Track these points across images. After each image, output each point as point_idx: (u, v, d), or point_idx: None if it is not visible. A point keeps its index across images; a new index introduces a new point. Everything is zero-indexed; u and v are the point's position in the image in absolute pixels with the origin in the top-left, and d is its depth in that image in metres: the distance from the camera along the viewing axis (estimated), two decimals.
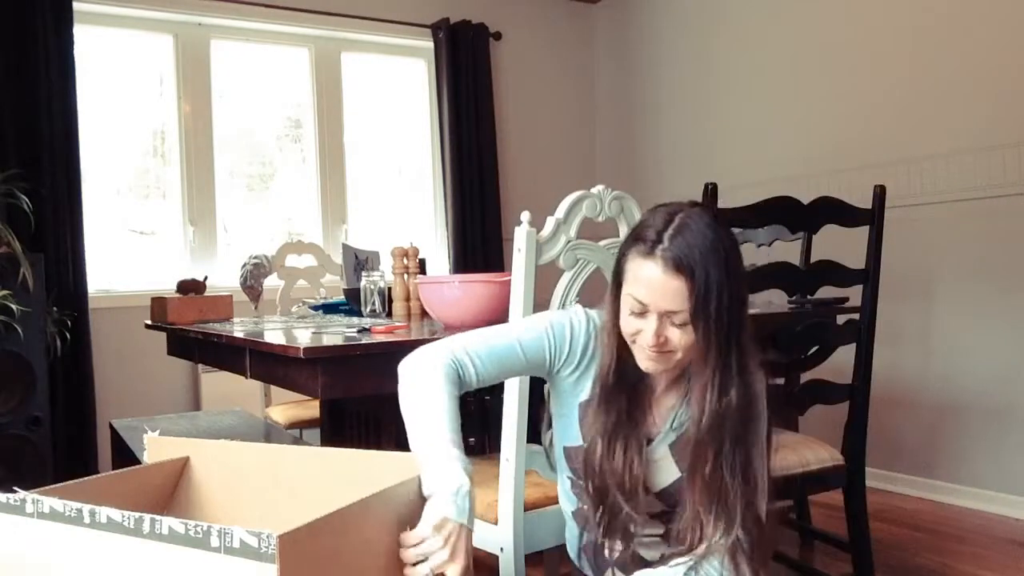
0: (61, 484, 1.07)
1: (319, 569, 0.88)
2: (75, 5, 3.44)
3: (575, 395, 1.31)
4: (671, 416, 1.27)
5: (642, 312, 1.15)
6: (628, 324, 1.18)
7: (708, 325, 1.12)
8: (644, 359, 1.19)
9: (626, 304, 1.17)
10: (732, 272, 1.13)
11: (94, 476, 1.17)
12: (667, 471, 1.27)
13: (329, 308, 2.69)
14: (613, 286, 1.22)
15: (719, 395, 1.15)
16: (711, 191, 1.74)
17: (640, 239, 1.16)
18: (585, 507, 1.30)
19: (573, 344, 1.28)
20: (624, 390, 1.24)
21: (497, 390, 1.56)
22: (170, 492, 1.34)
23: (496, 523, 1.51)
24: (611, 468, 1.22)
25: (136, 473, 1.29)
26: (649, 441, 1.27)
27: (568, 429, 1.33)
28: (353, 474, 1.27)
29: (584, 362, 1.29)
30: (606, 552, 1.27)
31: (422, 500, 1.07)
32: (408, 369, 1.23)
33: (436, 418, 1.14)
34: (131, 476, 1.27)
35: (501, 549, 1.49)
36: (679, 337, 1.14)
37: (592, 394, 1.27)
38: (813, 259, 2.47)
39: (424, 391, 1.18)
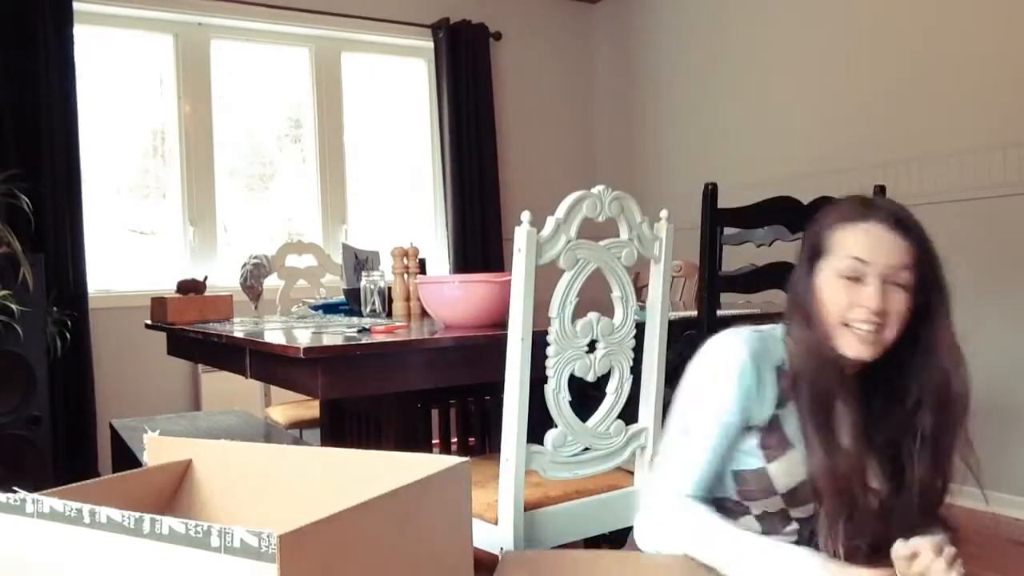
0: (62, 487, 1.07)
1: (320, 569, 0.88)
2: (75, 5, 3.45)
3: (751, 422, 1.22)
4: (858, 420, 1.19)
5: (858, 277, 1.11)
6: (840, 296, 1.12)
7: (932, 282, 1.13)
8: (855, 341, 1.12)
9: (837, 274, 1.13)
10: (933, 243, 1.16)
11: (95, 480, 1.17)
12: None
13: (329, 308, 2.69)
14: (805, 273, 1.17)
15: (955, 362, 1.13)
16: (711, 191, 1.74)
17: (846, 212, 1.15)
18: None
19: (752, 396, 1.19)
20: (830, 389, 1.15)
21: (497, 390, 1.56)
22: (171, 493, 1.34)
23: (496, 523, 1.51)
24: (845, 469, 1.13)
25: (137, 476, 1.29)
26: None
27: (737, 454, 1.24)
28: (353, 474, 1.27)
29: (760, 392, 1.19)
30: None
31: (422, 501, 1.07)
32: (668, 532, 1.18)
33: (739, 534, 1.13)
34: (132, 479, 1.27)
35: (501, 549, 1.49)
36: (900, 303, 1.11)
37: (802, 402, 1.16)
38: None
39: (705, 533, 1.14)
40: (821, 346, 1.14)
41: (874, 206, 1.15)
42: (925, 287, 1.13)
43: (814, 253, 1.17)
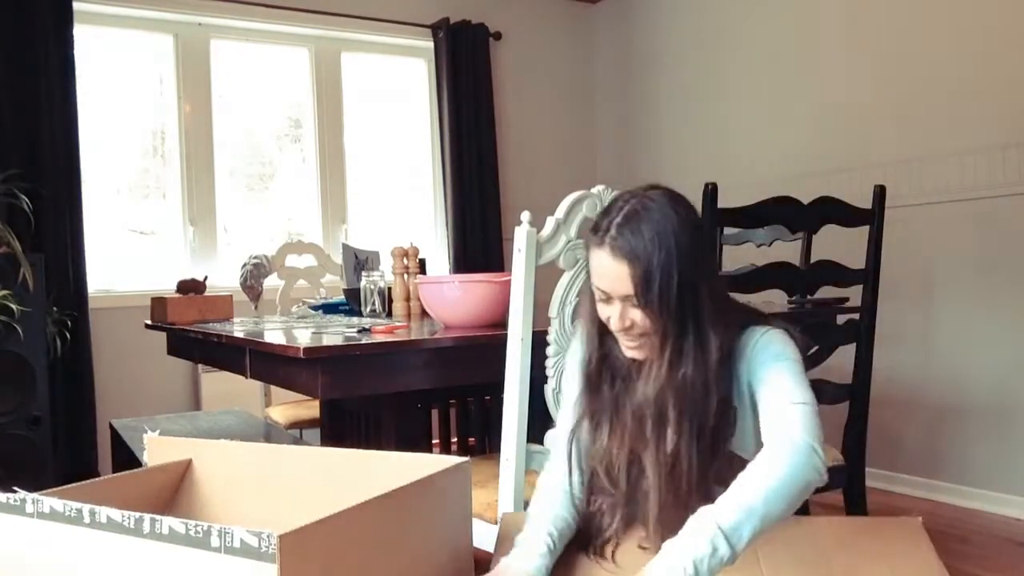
0: (62, 488, 1.07)
1: (320, 569, 0.88)
2: (75, 5, 3.44)
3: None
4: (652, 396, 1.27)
5: (607, 299, 1.20)
6: (600, 312, 1.23)
7: (654, 306, 1.14)
8: (624, 347, 1.23)
9: (593, 294, 1.23)
10: (683, 253, 1.14)
11: (95, 480, 1.17)
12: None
13: (329, 308, 2.69)
14: (587, 277, 1.26)
15: (669, 369, 1.17)
16: (711, 191, 1.74)
17: (595, 229, 1.21)
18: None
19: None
20: (608, 380, 1.27)
21: (497, 390, 1.56)
22: (172, 493, 1.34)
23: (496, 523, 1.51)
24: (594, 452, 1.27)
25: (137, 476, 1.29)
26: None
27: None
28: (353, 474, 1.27)
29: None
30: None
31: (422, 501, 1.08)
32: None
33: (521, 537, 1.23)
34: (132, 479, 1.27)
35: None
36: (645, 317, 1.17)
37: (578, 387, 1.31)
38: (813, 259, 2.47)
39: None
40: (604, 341, 1.26)
41: (600, 227, 1.18)
42: (668, 296, 1.14)
43: (587, 264, 1.25)
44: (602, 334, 1.26)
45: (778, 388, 1.16)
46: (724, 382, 1.19)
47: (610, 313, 1.20)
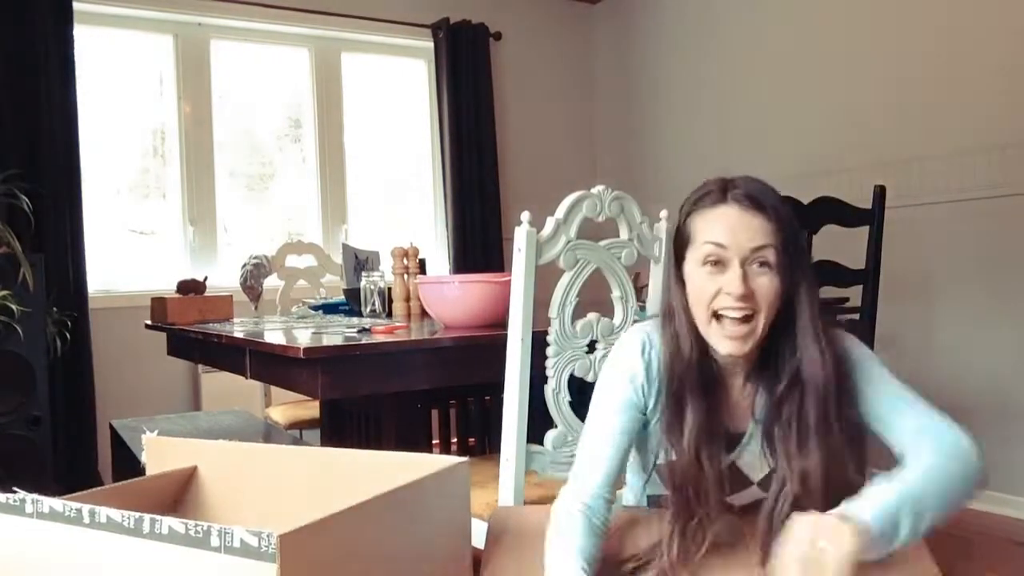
0: (64, 497, 1.07)
1: (320, 569, 0.88)
2: (75, 5, 3.44)
3: (656, 413, 1.22)
4: (754, 411, 1.18)
5: (720, 261, 1.10)
6: (706, 286, 1.11)
7: (796, 259, 1.09)
8: (724, 338, 1.11)
9: (699, 262, 1.12)
10: (790, 210, 1.12)
11: (97, 488, 1.16)
12: (758, 471, 1.20)
13: (329, 308, 2.69)
14: (674, 267, 1.18)
15: (815, 342, 1.10)
16: None
17: (702, 199, 1.15)
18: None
19: (648, 384, 1.19)
20: (702, 385, 1.15)
21: (497, 390, 1.56)
22: (173, 498, 1.34)
23: None
24: (699, 476, 1.13)
25: (140, 484, 1.29)
26: (734, 444, 1.19)
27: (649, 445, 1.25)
28: (353, 474, 1.27)
29: (656, 383, 1.20)
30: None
31: (422, 501, 1.08)
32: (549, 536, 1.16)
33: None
34: (134, 487, 1.27)
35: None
36: (766, 286, 1.09)
37: (666, 400, 1.17)
38: (813, 259, 2.47)
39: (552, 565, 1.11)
40: (678, 339, 1.15)
41: (728, 188, 1.13)
42: (790, 264, 1.10)
43: (679, 246, 1.17)
44: (696, 331, 1.14)
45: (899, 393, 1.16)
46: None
47: (723, 282, 1.08)
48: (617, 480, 1.20)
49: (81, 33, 3.51)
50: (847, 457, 1.11)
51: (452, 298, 1.86)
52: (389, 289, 2.42)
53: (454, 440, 2.38)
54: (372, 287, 2.38)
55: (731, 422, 1.19)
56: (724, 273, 1.10)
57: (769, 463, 1.17)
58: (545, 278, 1.52)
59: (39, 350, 2.86)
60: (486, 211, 4.36)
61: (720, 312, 1.10)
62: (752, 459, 1.19)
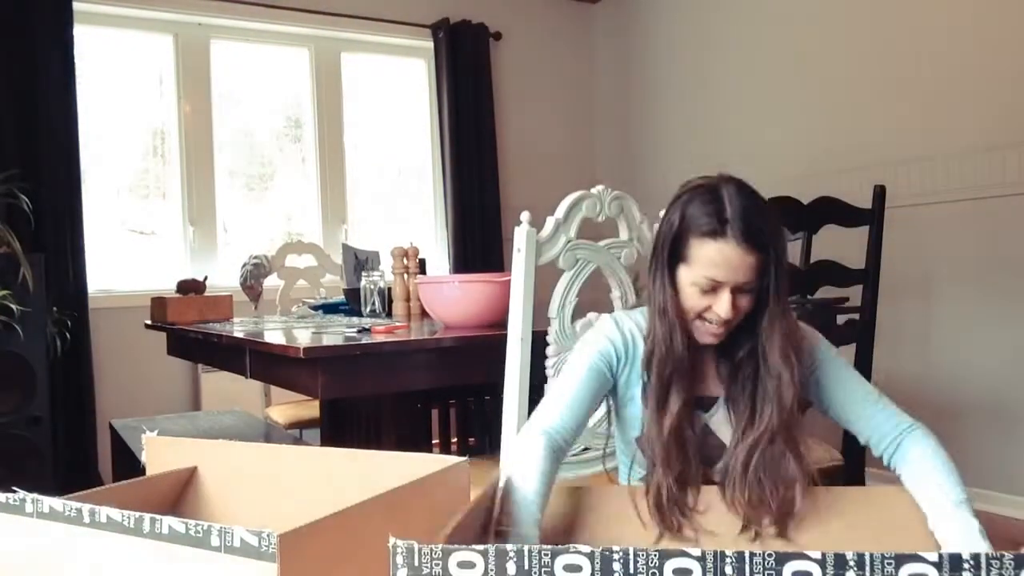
0: (64, 497, 1.07)
1: (320, 569, 0.88)
2: (75, 5, 3.44)
3: (628, 391, 1.34)
4: (720, 375, 1.32)
5: (713, 289, 1.21)
6: (695, 303, 1.23)
7: (781, 286, 1.22)
8: (707, 333, 1.25)
9: (693, 284, 1.22)
10: (780, 228, 1.25)
11: (96, 489, 1.16)
12: (727, 435, 1.31)
13: (329, 308, 2.69)
14: (667, 270, 1.26)
15: (779, 330, 1.23)
16: None
17: (701, 222, 1.21)
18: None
19: (618, 349, 1.32)
20: (691, 373, 1.28)
21: (497, 390, 1.56)
22: (173, 498, 1.34)
23: None
24: (680, 449, 1.25)
25: (139, 484, 1.29)
26: (708, 407, 1.32)
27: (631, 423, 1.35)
28: (353, 474, 1.27)
29: (629, 359, 1.32)
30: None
31: (422, 501, 1.08)
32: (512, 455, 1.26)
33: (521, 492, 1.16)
34: (134, 488, 1.27)
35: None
36: (746, 303, 1.23)
37: (655, 384, 1.28)
38: (813, 259, 2.47)
39: (518, 470, 1.19)
40: (671, 338, 1.25)
41: (728, 218, 1.19)
42: (769, 275, 1.22)
43: (674, 257, 1.25)
44: (683, 322, 1.26)
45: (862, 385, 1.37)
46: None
47: (712, 302, 1.21)
48: (581, 427, 1.28)
49: (81, 33, 3.51)
50: (794, 427, 1.24)
51: (452, 298, 1.86)
52: (389, 289, 2.42)
53: (454, 440, 2.38)
54: (372, 287, 2.38)
55: (704, 388, 1.32)
56: (714, 295, 1.22)
57: (732, 424, 1.30)
58: (545, 278, 1.52)
59: (39, 350, 2.86)
60: (486, 211, 4.36)
61: (704, 318, 1.24)
62: (721, 423, 1.31)
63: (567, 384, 1.29)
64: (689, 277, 1.23)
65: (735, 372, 1.28)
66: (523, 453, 1.20)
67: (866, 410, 1.36)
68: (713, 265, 1.19)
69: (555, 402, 1.27)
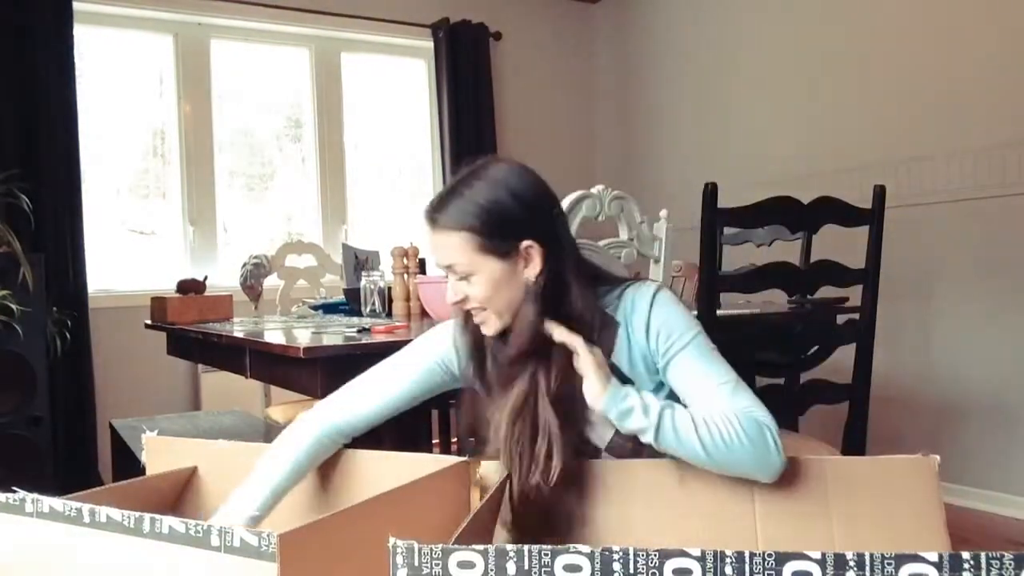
0: (64, 497, 1.07)
1: (320, 569, 0.88)
2: (75, 5, 3.44)
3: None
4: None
5: (446, 276, 1.23)
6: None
7: (488, 267, 1.17)
8: (480, 323, 1.23)
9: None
10: (514, 212, 1.18)
11: (96, 489, 1.16)
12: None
13: (329, 308, 2.69)
14: None
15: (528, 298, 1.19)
16: (711, 191, 1.74)
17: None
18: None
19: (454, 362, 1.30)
20: (485, 358, 1.26)
21: None
22: (174, 498, 1.34)
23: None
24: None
25: (139, 484, 1.29)
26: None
27: None
28: (353, 474, 1.27)
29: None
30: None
31: (422, 501, 1.07)
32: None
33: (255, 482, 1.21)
34: (135, 487, 1.27)
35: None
36: (471, 289, 1.19)
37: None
38: (813, 259, 2.47)
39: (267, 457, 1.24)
40: (462, 327, 1.27)
41: (429, 205, 1.21)
42: (497, 254, 1.17)
43: None
44: (462, 313, 1.26)
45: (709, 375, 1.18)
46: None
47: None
48: (374, 420, 1.29)
49: (81, 33, 3.51)
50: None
51: None
52: (389, 289, 2.42)
53: (454, 440, 2.38)
54: (372, 287, 2.38)
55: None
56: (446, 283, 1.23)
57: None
58: None
59: (39, 350, 2.86)
60: None
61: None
62: None
63: (380, 372, 1.35)
64: None
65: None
66: (283, 441, 1.27)
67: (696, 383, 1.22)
68: (432, 248, 1.22)
69: (358, 389, 1.32)
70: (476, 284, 1.18)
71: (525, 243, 1.17)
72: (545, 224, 1.20)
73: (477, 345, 1.26)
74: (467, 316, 1.25)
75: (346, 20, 4.11)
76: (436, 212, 1.18)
